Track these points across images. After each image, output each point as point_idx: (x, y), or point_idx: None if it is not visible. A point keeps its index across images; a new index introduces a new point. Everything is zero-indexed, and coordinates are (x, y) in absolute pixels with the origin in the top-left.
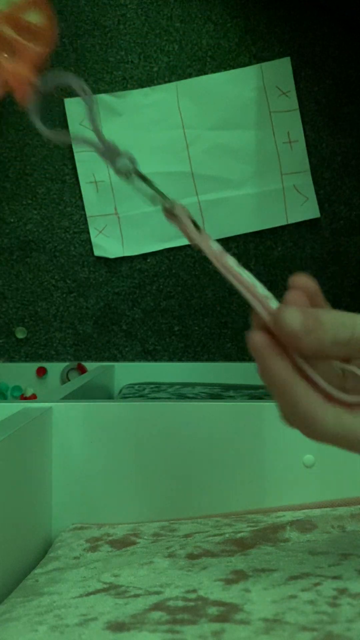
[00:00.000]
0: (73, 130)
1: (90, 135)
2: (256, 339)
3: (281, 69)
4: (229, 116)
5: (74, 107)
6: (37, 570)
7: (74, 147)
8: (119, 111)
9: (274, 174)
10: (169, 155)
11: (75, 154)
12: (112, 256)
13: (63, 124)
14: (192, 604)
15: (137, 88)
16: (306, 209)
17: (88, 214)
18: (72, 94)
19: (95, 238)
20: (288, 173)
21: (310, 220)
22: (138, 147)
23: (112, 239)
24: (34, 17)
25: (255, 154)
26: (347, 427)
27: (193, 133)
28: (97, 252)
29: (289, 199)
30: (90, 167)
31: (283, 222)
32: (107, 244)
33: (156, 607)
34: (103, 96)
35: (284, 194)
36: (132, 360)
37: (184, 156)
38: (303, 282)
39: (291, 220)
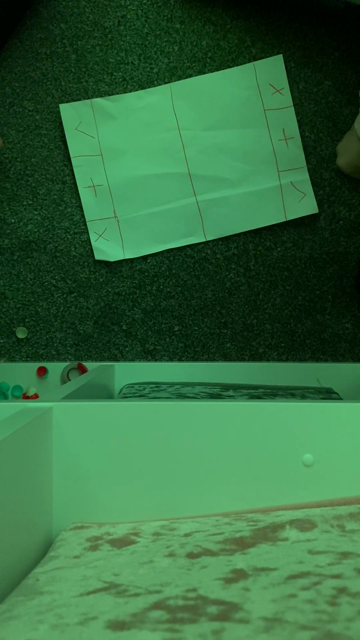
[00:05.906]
0: (69, 135)
1: (87, 142)
2: None
3: (274, 66)
4: (223, 116)
5: (69, 112)
6: (38, 570)
7: (71, 153)
8: (114, 115)
9: (270, 172)
10: (165, 157)
11: (72, 159)
12: (112, 259)
13: (59, 128)
14: (192, 602)
15: (137, 89)
16: (304, 205)
17: (87, 218)
18: (67, 99)
19: (96, 242)
20: (285, 170)
21: (310, 221)
22: (134, 150)
23: (112, 242)
24: None
25: (251, 152)
26: None
27: (189, 134)
28: (98, 256)
29: (287, 195)
30: (87, 172)
31: (282, 219)
32: (107, 247)
33: (156, 606)
34: (98, 100)
35: (281, 191)
36: (132, 360)
37: (180, 157)
38: None
39: (290, 217)
